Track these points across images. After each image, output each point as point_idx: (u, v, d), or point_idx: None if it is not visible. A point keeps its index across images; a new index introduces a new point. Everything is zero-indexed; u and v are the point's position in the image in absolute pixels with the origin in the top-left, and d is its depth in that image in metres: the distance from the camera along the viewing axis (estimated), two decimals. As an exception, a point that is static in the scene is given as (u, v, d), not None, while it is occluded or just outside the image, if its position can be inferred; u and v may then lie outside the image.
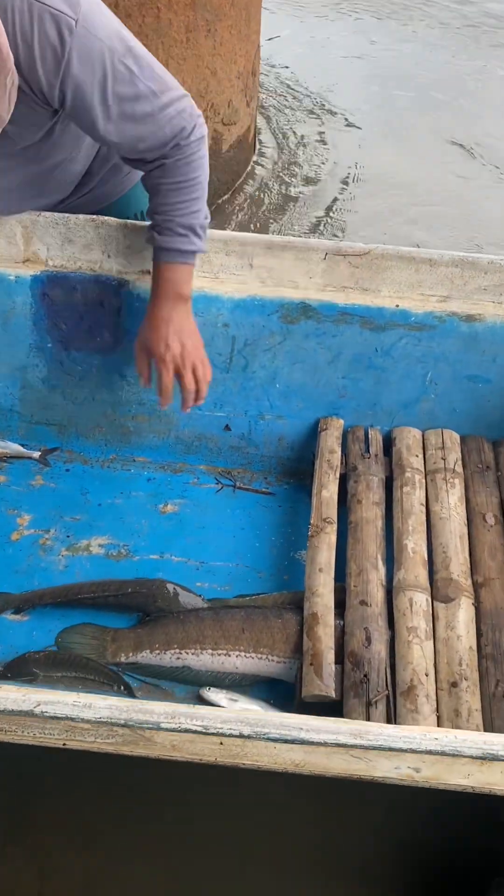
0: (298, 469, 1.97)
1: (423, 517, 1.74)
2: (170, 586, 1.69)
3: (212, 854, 1.55)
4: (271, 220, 3.40)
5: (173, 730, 1.10)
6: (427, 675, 1.45)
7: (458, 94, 4.42)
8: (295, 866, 1.54)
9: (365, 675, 1.45)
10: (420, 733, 1.10)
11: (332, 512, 1.74)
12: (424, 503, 1.77)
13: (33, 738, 1.19)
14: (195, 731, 1.10)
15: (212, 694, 1.53)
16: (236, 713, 1.12)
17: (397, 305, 1.75)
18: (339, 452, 1.86)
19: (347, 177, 3.71)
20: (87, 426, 1.97)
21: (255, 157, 3.70)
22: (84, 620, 1.66)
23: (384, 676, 1.45)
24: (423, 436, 1.90)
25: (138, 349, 1.65)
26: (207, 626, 1.60)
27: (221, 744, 1.15)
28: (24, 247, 1.74)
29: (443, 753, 1.09)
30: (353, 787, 1.24)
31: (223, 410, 1.92)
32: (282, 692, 1.56)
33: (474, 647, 1.51)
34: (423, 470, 1.83)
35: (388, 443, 1.90)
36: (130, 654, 1.59)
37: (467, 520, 1.74)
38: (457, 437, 1.89)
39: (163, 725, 1.09)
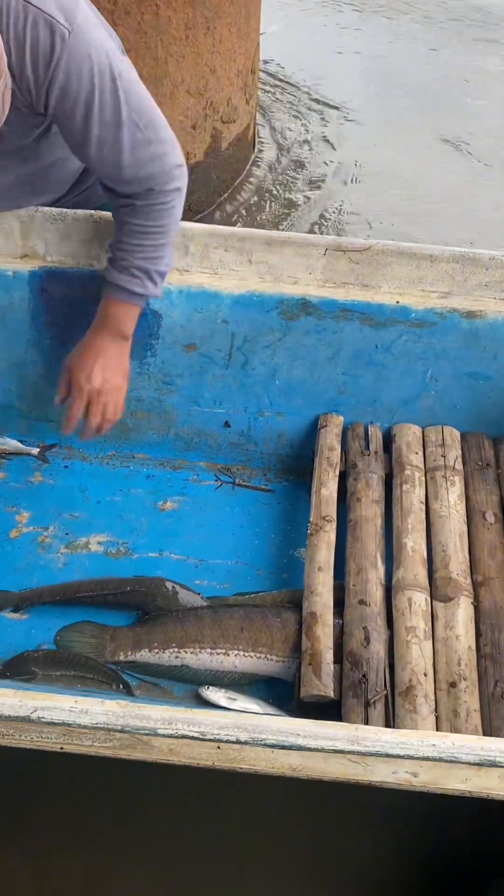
0: (298, 466, 1.96)
1: (423, 515, 1.73)
2: (169, 584, 1.69)
3: (209, 857, 1.55)
4: (271, 218, 3.37)
5: (170, 735, 1.10)
6: (426, 676, 1.45)
7: (450, 89, 4.38)
8: (292, 870, 1.54)
9: (363, 675, 1.45)
10: (417, 739, 1.09)
11: (331, 510, 1.73)
12: (424, 501, 1.76)
13: (31, 741, 1.19)
14: (192, 737, 1.09)
15: (210, 693, 1.53)
16: (233, 718, 1.12)
17: (398, 302, 1.74)
18: (339, 449, 1.85)
19: (348, 176, 3.69)
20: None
21: (254, 155, 3.67)
22: (83, 619, 1.66)
23: (383, 676, 1.45)
24: (423, 433, 1.89)
25: (64, 368, 1.66)
26: (206, 625, 1.60)
27: (219, 748, 1.15)
28: (21, 242, 1.72)
29: (440, 760, 1.08)
30: (350, 791, 1.24)
31: (223, 407, 1.91)
32: (280, 691, 1.56)
33: (473, 646, 1.51)
34: (422, 467, 1.82)
35: (388, 439, 1.89)
36: (129, 653, 1.59)
37: (467, 518, 1.73)
38: (457, 433, 1.88)
39: (160, 731, 1.09)
